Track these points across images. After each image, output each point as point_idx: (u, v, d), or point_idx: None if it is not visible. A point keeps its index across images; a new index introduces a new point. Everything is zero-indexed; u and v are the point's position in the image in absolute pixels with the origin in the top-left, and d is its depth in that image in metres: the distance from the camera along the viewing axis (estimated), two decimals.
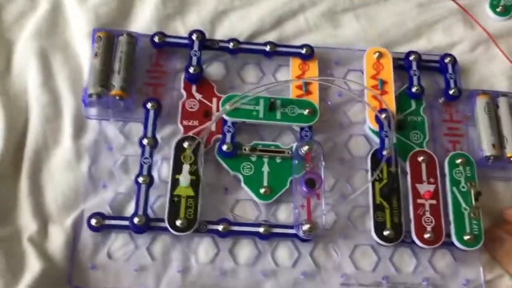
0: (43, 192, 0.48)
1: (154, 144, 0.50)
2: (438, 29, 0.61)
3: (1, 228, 0.46)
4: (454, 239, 0.49)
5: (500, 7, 0.62)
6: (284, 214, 0.50)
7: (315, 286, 0.48)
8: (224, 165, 0.51)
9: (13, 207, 0.48)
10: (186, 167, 0.47)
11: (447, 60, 0.57)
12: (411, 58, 0.57)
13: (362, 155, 0.53)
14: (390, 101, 0.54)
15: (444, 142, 0.55)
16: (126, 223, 0.47)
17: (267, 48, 0.55)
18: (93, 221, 0.47)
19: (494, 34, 0.61)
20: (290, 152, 0.51)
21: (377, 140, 0.53)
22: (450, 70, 0.57)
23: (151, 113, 0.51)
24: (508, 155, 0.53)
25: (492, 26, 0.61)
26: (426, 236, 0.48)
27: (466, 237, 0.49)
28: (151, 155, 0.49)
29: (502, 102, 0.55)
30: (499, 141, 0.53)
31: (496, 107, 0.55)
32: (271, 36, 0.58)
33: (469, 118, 0.56)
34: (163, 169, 0.51)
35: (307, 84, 0.55)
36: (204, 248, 0.48)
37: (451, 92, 0.55)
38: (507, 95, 0.55)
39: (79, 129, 0.51)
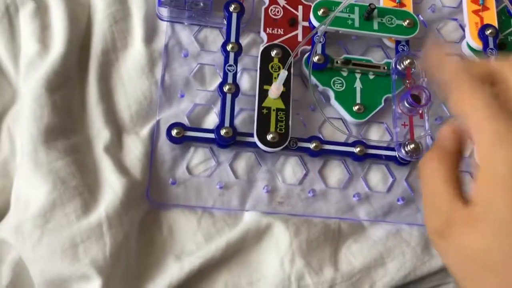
0: (115, 98, 0.43)
1: (238, 50, 0.44)
2: None
3: (70, 137, 0.41)
4: None
5: None
6: (375, 135, 0.46)
7: (411, 211, 0.44)
8: (313, 78, 0.45)
9: (82, 113, 0.42)
10: (282, 75, 0.42)
11: None
12: None
13: None
14: (491, 18, 0.49)
15: None
16: (210, 135, 0.42)
17: None
18: (174, 132, 0.42)
19: None
20: (386, 68, 0.46)
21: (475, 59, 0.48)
22: None
23: (234, 16, 0.45)
24: None
25: None
26: None
27: None
28: (235, 63, 0.44)
29: None
30: None
31: None
32: None
33: None
34: (243, 81, 0.46)
35: None
36: (291, 168, 0.44)
37: None
38: None
39: (150, 31, 0.45)
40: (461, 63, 0.29)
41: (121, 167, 0.40)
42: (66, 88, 0.42)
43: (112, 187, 0.39)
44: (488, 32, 0.47)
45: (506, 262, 0.24)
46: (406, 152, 0.43)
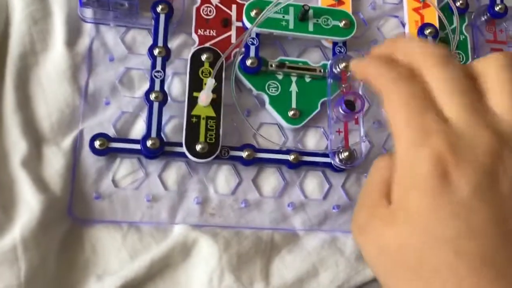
0: (33, 107, 0.40)
1: (166, 54, 0.42)
2: None
3: None
4: None
5: None
6: (313, 140, 0.44)
7: (347, 219, 0.43)
8: (247, 83, 0.44)
9: None
10: (209, 83, 0.40)
11: None
12: None
13: None
14: (432, 16, 0.48)
15: None
16: (136, 146, 0.40)
17: None
18: (97, 144, 0.39)
19: None
20: (322, 71, 0.44)
21: None
22: None
23: (162, 17, 0.42)
24: None
25: None
26: None
27: None
28: (163, 68, 0.41)
29: None
30: None
31: None
32: None
33: None
34: (174, 86, 0.43)
35: None
36: (224, 177, 0.42)
37: (497, 8, 0.49)
38: None
39: (73, 33, 0.43)
40: (381, 63, 0.27)
41: (40, 182, 0.38)
42: None
43: (29, 204, 0.37)
44: (427, 31, 0.46)
45: (421, 262, 0.23)
46: (340, 160, 0.41)
